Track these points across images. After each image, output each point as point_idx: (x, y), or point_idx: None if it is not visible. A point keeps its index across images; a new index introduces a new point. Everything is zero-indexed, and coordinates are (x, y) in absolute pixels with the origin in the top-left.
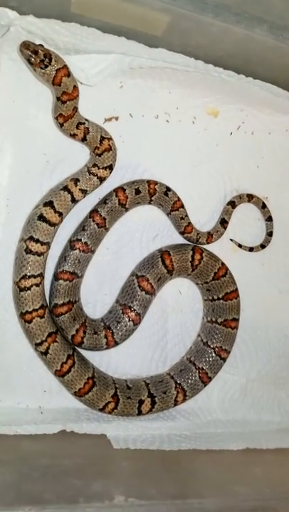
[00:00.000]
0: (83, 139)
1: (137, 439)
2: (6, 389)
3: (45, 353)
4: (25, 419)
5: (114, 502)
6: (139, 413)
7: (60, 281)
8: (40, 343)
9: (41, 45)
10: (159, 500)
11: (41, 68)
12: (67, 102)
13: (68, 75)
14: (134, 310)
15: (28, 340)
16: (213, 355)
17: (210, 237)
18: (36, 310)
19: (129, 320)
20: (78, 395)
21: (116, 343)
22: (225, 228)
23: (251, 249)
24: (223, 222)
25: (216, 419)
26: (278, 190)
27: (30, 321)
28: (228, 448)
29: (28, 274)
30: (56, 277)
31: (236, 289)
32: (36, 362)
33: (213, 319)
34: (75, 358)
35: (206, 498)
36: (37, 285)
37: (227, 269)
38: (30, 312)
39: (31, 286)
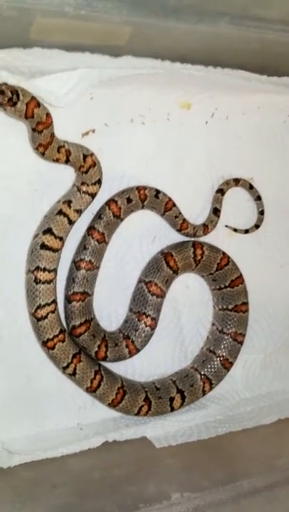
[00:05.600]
0: (67, 161)
1: (176, 435)
2: (42, 415)
3: (73, 374)
4: (68, 438)
5: (172, 500)
6: (172, 409)
7: (74, 303)
8: (67, 366)
9: (5, 84)
10: (212, 490)
11: (11, 106)
12: (44, 131)
13: (38, 105)
14: (149, 315)
15: (54, 365)
16: (231, 340)
17: (206, 228)
18: (57, 336)
19: (146, 326)
20: (112, 405)
21: (138, 350)
22: (218, 216)
23: (247, 231)
24: (216, 211)
25: (243, 398)
26: (261, 168)
27: (53, 348)
28: (261, 423)
29: (42, 303)
30: (69, 300)
31: (241, 275)
32: (65, 382)
33: (224, 307)
34: (102, 372)
35: (253, 477)
36: (52, 312)
37: (229, 257)
38: (52, 339)
39: (47, 314)
